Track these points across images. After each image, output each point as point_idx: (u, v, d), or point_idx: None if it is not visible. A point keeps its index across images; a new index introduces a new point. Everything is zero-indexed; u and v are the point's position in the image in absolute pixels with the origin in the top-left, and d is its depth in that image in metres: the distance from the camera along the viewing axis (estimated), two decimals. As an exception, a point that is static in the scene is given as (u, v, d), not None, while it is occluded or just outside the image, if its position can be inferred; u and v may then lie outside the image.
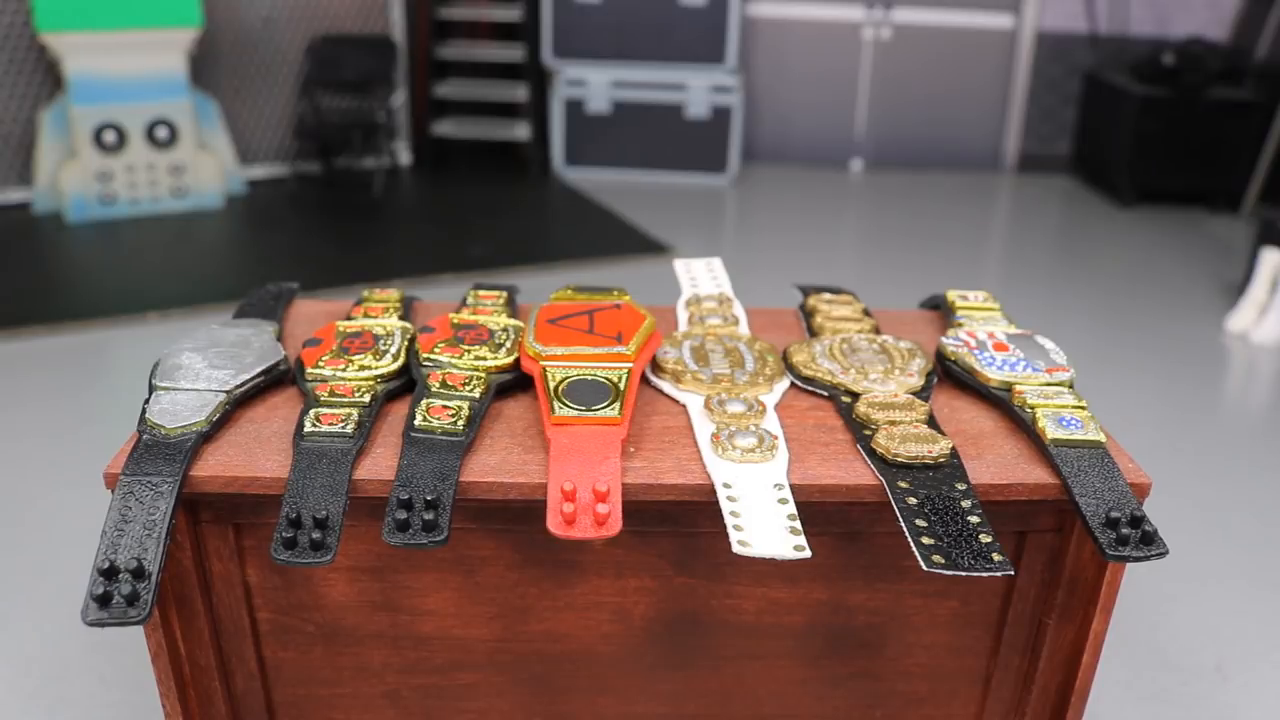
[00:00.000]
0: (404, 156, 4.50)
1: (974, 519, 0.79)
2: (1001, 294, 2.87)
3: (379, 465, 0.82)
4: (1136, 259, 3.57)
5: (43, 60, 3.67)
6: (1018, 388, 0.93)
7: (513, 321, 1.01)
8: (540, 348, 0.91)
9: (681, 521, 0.87)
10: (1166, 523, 1.84)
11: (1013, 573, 0.78)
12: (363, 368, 0.92)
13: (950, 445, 0.85)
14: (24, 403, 2.30)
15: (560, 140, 4.35)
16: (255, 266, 3.38)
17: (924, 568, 0.74)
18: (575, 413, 0.84)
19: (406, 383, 0.93)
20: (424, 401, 0.86)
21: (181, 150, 3.71)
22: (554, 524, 0.75)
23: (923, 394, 0.95)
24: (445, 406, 0.86)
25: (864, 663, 0.96)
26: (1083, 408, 0.90)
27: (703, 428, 0.88)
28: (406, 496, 0.77)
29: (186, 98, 3.70)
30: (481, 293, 1.10)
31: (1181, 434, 2.31)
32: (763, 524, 0.78)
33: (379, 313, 1.05)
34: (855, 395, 0.94)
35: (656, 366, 0.98)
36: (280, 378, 0.94)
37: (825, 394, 0.96)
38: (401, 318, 1.05)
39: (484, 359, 0.93)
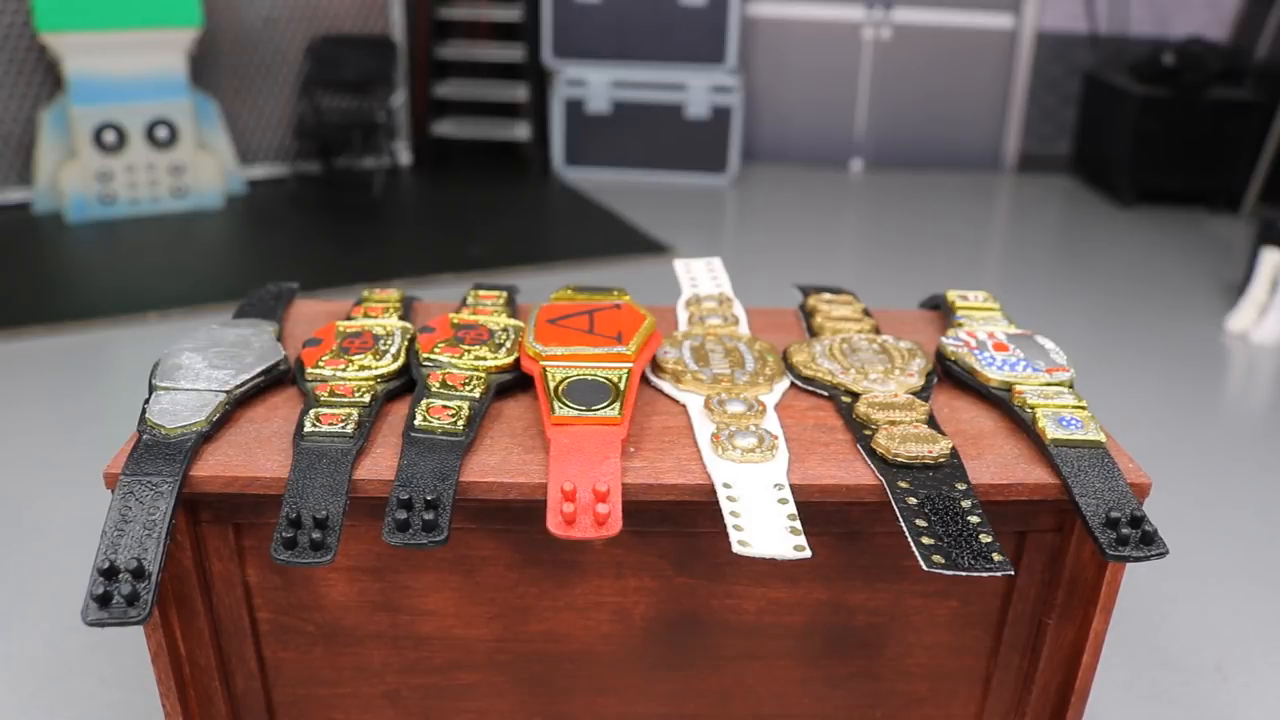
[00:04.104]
0: (404, 156, 4.50)
1: (974, 519, 0.79)
2: (1001, 294, 2.88)
3: (379, 465, 0.82)
4: (1136, 259, 3.57)
5: (43, 60, 3.67)
6: (1018, 388, 0.93)
7: (513, 321, 1.01)
8: (540, 348, 0.91)
9: (681, 521, 0.87)
10: (1166, 523, 1.84)
11: (1013, 573, 0.78)
12: (363, 368, 0.92)
13: (950, 445, 0.85)
14: (24, 403, 2.30)
15: (560, 140, 4.35)
16: (255, 266, 3.38)
17: (924, 568, 0.74)
18: (575, 413, 0.84)
19: (406, 383, 0.93)
20: (424, 401, 0.86)
21: (181, 150, 3.71)
22: (554, 524, 0.75)
23: (923, 394, 0.95)
24: (445, 406, 0.86)
25: (864, 663, 0.96)
26: (1083, 408, 0.90)
27: (703, 428, 0.88)
28: (406, 496, 0.77)
29: (186, 98, 3.70)
30: (481, 293, 1.10)
31: (1181, 434, 2.31)
32: (763, 524, 0.78)
33: (379, 313, 1.05)
34: (855, 395, 0.94)
35: (656, 366, 0.98)
36: (280, 378, 0.94)
37: (825, 394, 0.96)
38: (401, 318, 1.05)
39: (484, 359, 0.93)
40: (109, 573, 0.72)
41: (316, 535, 0.74)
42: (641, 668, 0.95)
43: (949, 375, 1.00)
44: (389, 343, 0.96)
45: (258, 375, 0.91)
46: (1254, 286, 2.90)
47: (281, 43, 4.13)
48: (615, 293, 1.07)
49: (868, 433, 0.88)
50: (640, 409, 0.92)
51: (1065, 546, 0.88)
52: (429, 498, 0.77)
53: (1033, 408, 0.90)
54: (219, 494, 0.82)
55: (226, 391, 0.88)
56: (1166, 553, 0.77)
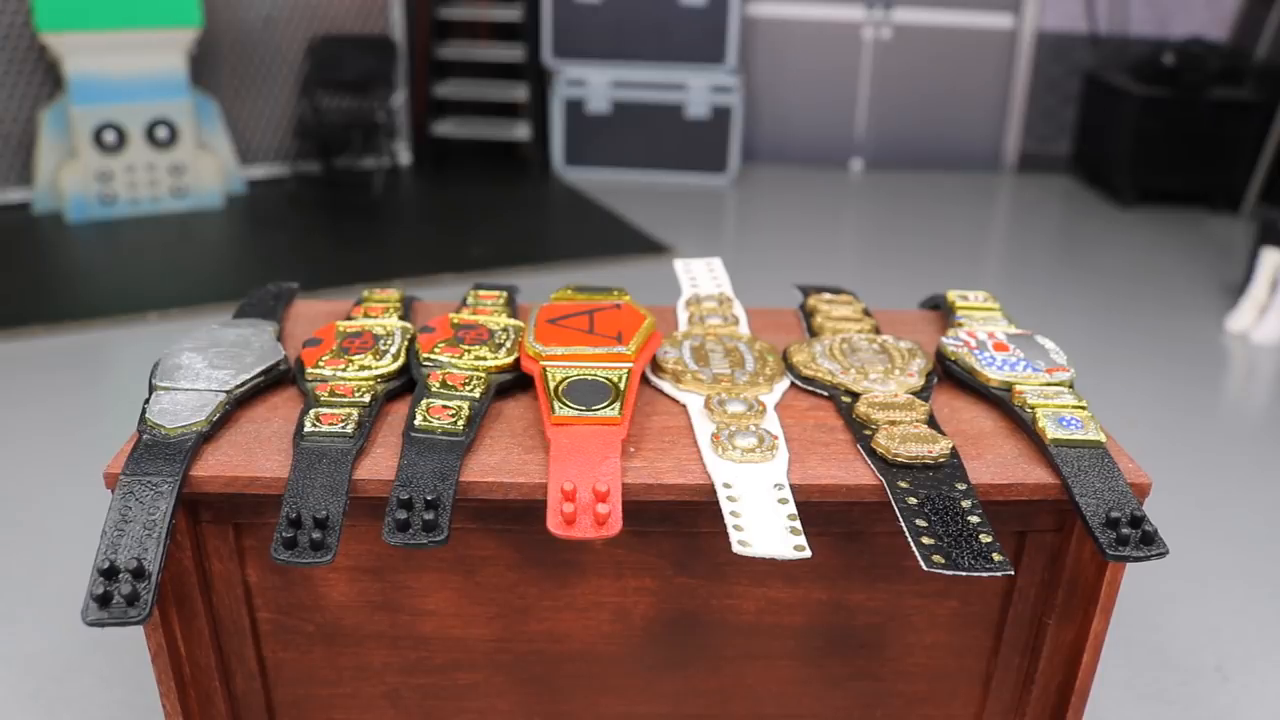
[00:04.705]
0: (404, 156, 4.50)
1: (974, 519, 0.79)
2: (1001, 294, 2.87)
3: (379, 465, 0.82)
4: (1136, 259, 3.57)
5: (43, 60, 3.67)
6: (1018, 388, 0.93)
7: (513, 321, 1.01)
8: (540, 348, 0.91)
9: (681, 521, 0.87)
10: (1166, 523, 1.84)
11: (1012, 573, 0.78)
12: (363, 368, 0.92)
13: (950, 445, 0.85)
14: (24, 403, 2.30)
15: (560, 140, 4.35)
16: (255, 266, 3.38)
17: (924, 568, 0.74)
18: (575, 413, 0.84)
19: (406, 383, 0.93)
20: (424, 401, 0.86)
21: (181, 150, 3.71)
22: (554, 524, 0.75)
23: (923, 394, 0.95)
24: (445, 406, 0.86)
25: (864, 663, 0.96)
26: (1083, 408, 0.90)
27: (703, 428, 0.88)
28: (406, 496, 0.77)
29: (186, 98, 3.70)
30: (481, 293, 1.10)
31: (1181, 434, 2.31)
32: (763, 524, 0.78)
33: (379, 313, 1.05)
34: (855, 395, 0.94)
35: (656, 366, 0.98)
36: (280, 378, 0.94)
37: (825, 394, 0.96)
38: (401, 318, 1.05)
39: (484, 359, 0.93)
40: (109, 573, 0.72)
41: (316, 535, 0.74)
42: (641, 668, 0.95)
43: (949, 375, 1.00)
44: (389, 343, 0.96)
45: (258, 375, 0.91)
46: (1254, 286, 2.90)
47: (281, 43, 4.13)
48: (615, 293, 1.07)
49: (868, 433, 0.88)
50: (640, 409, 0.92)
51: (1065, 546, 0.88)
52: (429, 498, 0.77)
53: (1033, 408, 0.90)
54: (219, 494, 0.82)
55: (226, 391, 0.88)
56: (1166, 553, 0.77)
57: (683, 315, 1.13)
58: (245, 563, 0.88)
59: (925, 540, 0.76)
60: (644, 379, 0.98)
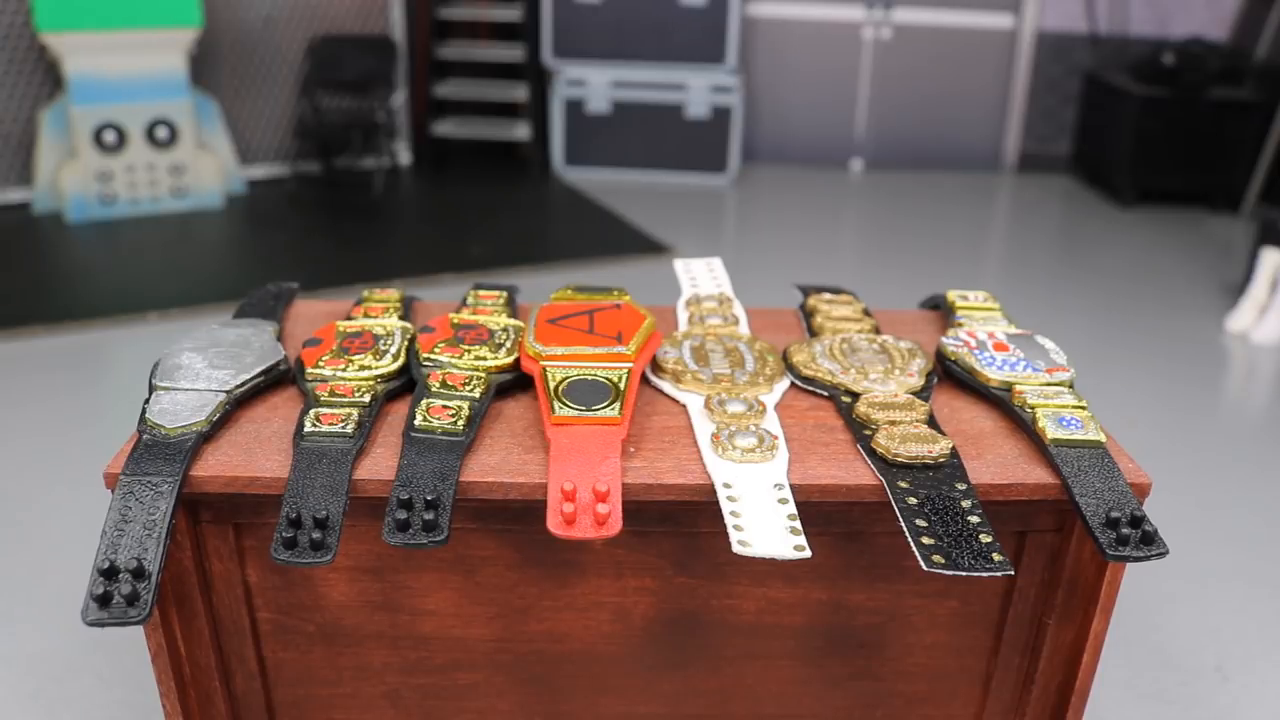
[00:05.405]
0: (404, 156, 4.50)
1: (974, 519, 0.79)
2: (1001, 294, 2.87)
3: (379, 465, 0.82)
4: (1136, 259, 3.57)
5: (43, 60, 3.67)
6: (1018, 388, 0.93)
7: (513, 321, 1.01)
8: (540, 348, 0.91)
9: (681, 521, 0.87)
10: (1166, 523, 1.84)
11: (1012, 573, 0.78)
12: (363, 368, 0.92)
13: (950, 445, 0.85)
14: (24, 403, 2.30)
15: (560, 140, 4.35)
16: (255, 266, 3.38)
17: (924, 568, 0.74)
18: (575, 413, 0.84)
19: (406, 383, 0.93)
20: (424, 401, 0.86)
21: (181, 150, 3.71)
22: (554, 524, 0.75)
23: (923, 394, 0.95)
24: (445, 406, 0.86)
25: (864, 663, 0.96)
26: (1083, 408, 0.90)
27: (703, 428, 0.88)
28: (406, 496, 0.77)
29: (186, 98, 3.70)
30: (481, 293, 1.10)
31: (1181, 434, 2.31)
32: (763, 524, 0.78)
33: (379, 313, 1.05)
34: (855, 395, 0.94)
35: (656, 366, 0.98)
36: (280, 378, 0.94)
37: (825, 394, 0.96)
38: (401, 318, 1.05)
39: (484, 359, 0.93)
40: (109, 573, 0.72)
41: (316, 535, 0.74)
42: (641, 668, 0.95)
43: (949, 375, 1.00)
44: (389, 343, 0.96)
45: (258, 375, 0.91)
46: (1254, 286, 2.90)
47: (281, 43, 4.13)
48: (615, 293, 1.07)
49: (868, 433, 0.88)
50: (640, 409, 0.92)
51: (1065, 546, 0.88)
52: (429, 498, 0.77)
53: (1033, 408, 0.90)
54: (219, 494, 0.82)
55: (226, 391, 0.88)
56: (1166, 553, 0.77)
57: (683, 315, 1.13)
58: (245, 563, 0.88)
59: (925, 540, 0.76)
60: (644, 379, 0.98)
